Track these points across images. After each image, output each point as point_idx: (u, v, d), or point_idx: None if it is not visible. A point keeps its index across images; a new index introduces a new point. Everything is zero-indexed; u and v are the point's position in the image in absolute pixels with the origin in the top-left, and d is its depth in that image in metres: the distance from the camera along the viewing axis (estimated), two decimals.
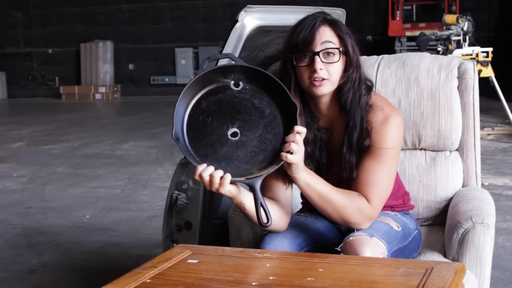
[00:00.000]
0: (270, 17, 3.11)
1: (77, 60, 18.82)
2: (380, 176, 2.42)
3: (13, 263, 4.50)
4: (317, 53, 2.37)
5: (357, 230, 2.40)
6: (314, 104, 2.51)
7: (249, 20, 3.03)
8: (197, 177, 2.20)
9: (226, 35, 3.02)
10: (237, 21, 3.00)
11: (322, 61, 2.38)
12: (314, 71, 2.37)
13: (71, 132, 11.29)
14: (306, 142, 2.40)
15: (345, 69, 2.43)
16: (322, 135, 2.53)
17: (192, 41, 17.74)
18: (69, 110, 15.57)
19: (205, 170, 2.19)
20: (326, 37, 2.39)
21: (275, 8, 3.28)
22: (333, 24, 2.43)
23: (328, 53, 2.39)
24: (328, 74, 2.39)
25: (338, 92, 2.45)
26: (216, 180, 2.18)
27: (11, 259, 4.60)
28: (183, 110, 2.25)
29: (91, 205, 6.08)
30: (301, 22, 2.43)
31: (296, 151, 2.20)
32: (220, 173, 2.19)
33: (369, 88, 2.52)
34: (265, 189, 2.45)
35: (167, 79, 18.12)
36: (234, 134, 2.23)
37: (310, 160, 2.49)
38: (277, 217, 2.41)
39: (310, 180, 2.33)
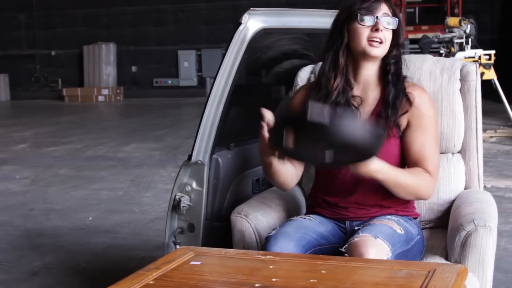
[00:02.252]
0: (273, 20, 3.12)
1: (80, 62, 18.85)
2: (430, 147, 2.63)
3: (16, 265, 4.51)
4: (379, 18, 2.60)
5: (361, 231, 2.43)
6: (356, 69, 2.69)
7: (253, 22, 3.03)
8: None
9: (229, 37, 3.03)
10: (240, 23, 3.00)
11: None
12: (377, 30, 2.58)
13: (73, 134, 11.31)
14: (338, 103, 2.62)
15: (392, 42, 2.64)
16: (353, 102, 2.68)
17: (195, 43, 17.76)
18: (71, 112, 15.59)
19: None
20: (387, 10, 2.62)
21: (278, 11, 3.29)
22: (389, 3, 2.66)
23: (387, 22, 2.60)
24: (384, 38, 2.60)
25: (383, 62, 2.66)
26: None
27: (14, 261, 4.60)
28: None
29: (93, 207, 6.09)
30: None
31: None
32: None
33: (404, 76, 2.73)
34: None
35: (170, 82, 18.14)
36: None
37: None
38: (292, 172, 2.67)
39: (383, 175, 2.48)
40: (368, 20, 2.59)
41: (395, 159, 2.63)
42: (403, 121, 2.63)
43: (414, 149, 2.62)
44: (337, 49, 2.65)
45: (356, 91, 2.69)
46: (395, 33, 2.64)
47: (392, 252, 2.40)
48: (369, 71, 2.67)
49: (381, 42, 2.59)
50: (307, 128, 2.27)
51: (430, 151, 2.63)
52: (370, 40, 2.59)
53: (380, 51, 2.61)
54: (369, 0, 2.61)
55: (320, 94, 2.67)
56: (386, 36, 2.60)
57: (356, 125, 2.30)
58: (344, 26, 2.64)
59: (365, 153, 2.35)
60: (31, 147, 10.05)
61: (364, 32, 2.59)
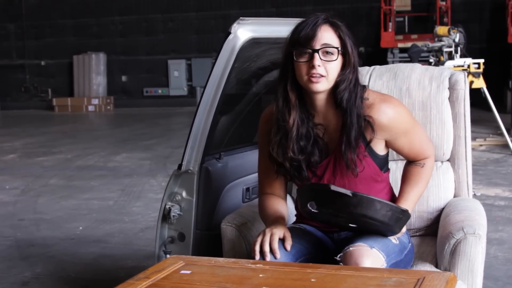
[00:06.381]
0: (263, 29, 3.13)
1: (70, 72, 18.82)
2: (418, 141, 2.66)
3: (6, 276, 4.49)
4: (317, 51, 2.44)
5: (356, 240, 2.43)
6: (310, 101, 2.56)
7: (242, 32, 3.04)
8: None
9: (219, 46, 3.04)
10: (230, 33, 3.01)
11: (321, 59, 2.45)
12: (313, 67, 2.44)
13: (63, 144, 11.28)
14: (299, 136, 2.52)
15: (342, 68, 2.50)
16: (317, 131, 2.58)
17: (185, 52, 17.75)
18: (61, 122, 15.55)
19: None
20: (326, 38, 2.47)
21: (267, 20, 3.30)
22: (334, 24, 2.50)
23: (327, 52, 2.46)
24: (326, 71, 2.46)
25: (334, 91, 2.50)
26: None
27: (4, 271, 4.59)
28: None
29: (84, 217, 6.07)
30: (304, 20, 2.51)
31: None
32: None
33: (363, 86, 2.59)
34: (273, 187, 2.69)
35: (160, 91, 18.12)
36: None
37: (301, 155, 2.54)
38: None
39: (411, 208, 2.61)
40: (304, 57, 2.46)
41: (376, 174, 2.61)
42: (377, 145, 2.57)
43: (406, 150, 2.65)
44: (285, 84, 2.52)
45: (318, 119, 2.58)
46: (345, 55, 2.49)
47: (387, 262, 2.40)
48: (322, 101, 2.54)
49: (322, 76, 2.45)
50: (330, 196, 2.35)
51: (420, 144, 2.66)
52: (309, 76, 2.45)
53: (322, 85, 2.46)
54: (307, 28, 2.46)
55: (279, 135, 2.55)
56: (327, 68, 2.45)
57: (378, 202, 2.37)
58: (288, 60, 2.51)
59: (385, 229, 2.46)
60: (20, 157, 10.02)
61: (302, 67, 2.47)
